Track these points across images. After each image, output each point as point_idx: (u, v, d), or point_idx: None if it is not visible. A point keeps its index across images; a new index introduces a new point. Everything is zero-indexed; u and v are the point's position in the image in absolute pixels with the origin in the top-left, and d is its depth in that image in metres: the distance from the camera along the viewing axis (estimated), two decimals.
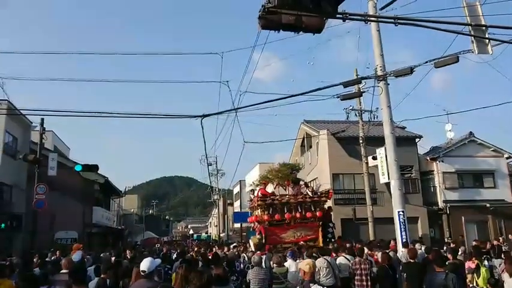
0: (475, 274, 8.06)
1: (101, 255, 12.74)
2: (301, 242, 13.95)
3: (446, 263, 8.76)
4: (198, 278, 4.24)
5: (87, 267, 8.58)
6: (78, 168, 16.93)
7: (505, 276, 6.77)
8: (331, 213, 16.29)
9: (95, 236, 27.08)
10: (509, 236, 18.16)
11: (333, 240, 14.79)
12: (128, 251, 14.27)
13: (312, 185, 17.84)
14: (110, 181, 28.96)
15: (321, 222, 14.94)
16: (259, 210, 15.24)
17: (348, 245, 12.22)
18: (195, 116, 12.18)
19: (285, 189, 16.00)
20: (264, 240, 14.17)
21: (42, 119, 17.61)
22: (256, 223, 15.44)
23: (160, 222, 71.75)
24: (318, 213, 14.87)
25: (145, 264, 5.25)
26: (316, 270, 9.18)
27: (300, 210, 14.85)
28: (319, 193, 15.68)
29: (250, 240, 15.37)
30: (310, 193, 15.43)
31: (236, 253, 13.44)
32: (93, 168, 17.03)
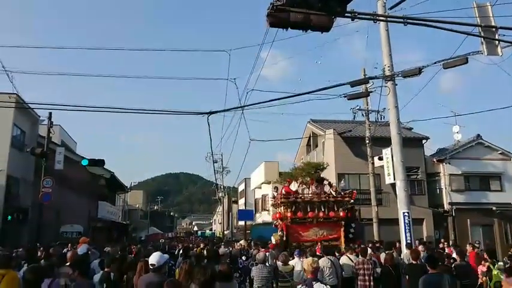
0: (487, 277, 8.08)
1: (105, 249, 12.84)
2: (322, 241, 13.95)
3: (453, 265, 8.81)
4: (202, 273, 4.25)
5: (93, 260, 8.65)
6: (84, 162, 17.03)
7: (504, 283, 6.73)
8: (355, 213, 16.31)
9: (100, 230, 27.27)
10: None
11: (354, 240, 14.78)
12: (133, 246, 14.37)
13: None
14: (116, 176, 29.14)
15: (343, 222, 14.94)
16: (282, 208, 15.34)
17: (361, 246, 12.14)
18: (202, 113, 12.19)
19: (309, 188, 16.03)
20: (285, 238, 14.32)
21: (50, 113, 17.77)
22: (278, 220, 15.51)
23: (165, 218, 72.10)
24: (341, 213, 14.91)
25: (155, 258, 5.27)
26: (320, 269, 9.24)
27: (323, 210, 14.93)
28: (342, 193, 15.70)
29: (272, 237, 15.51)
30: (334, 193, 15.48)
31: (241, 250, 13.47)
32: (99, 163, 17.13)
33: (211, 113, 12.12)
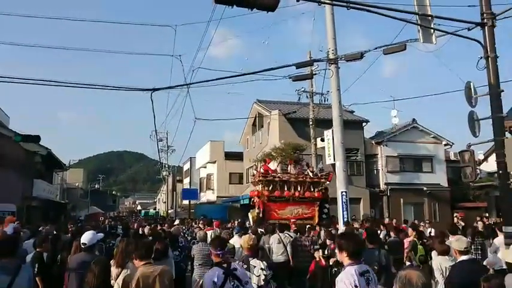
0: (412, 251, 8.67)
1: (40, 228, 12.28)
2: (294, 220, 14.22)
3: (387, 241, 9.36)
4: (138, 250, 4.21)
5: (25, 240, 8.26)
6: (17, 138, 16.05)
7: (433, 254, 7.25)
8: (328, 193, 16.71)
9: (36, 209, 25.97)
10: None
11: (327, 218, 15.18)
12: (70, 226, 13.85)
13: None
14: (53, 153, 27.74)
15: (318, 202, 15.28)
16: (260, 186, 15.47)
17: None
18: (145, 90, 11.81)
19: (287, 168, 16.35)
20: (261, 215, 14.54)
21: None
22: (256, 198, 15.65)
23: (106, 197, 70.04)
24: (316, 194, 15.22)
25: (86, 237, 5.16)
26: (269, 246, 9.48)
27: (299, 189, 15.18)
28: (319, 174, 16.02)
29: (249, 214, 15.81)
30: (311, 174, 15.78)
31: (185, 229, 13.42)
32: (34, 138, 16.13)
33: (154, 89, 11.77)
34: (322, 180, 15.87)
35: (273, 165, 16.63)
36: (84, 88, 12.03)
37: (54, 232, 10.24)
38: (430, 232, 14.74)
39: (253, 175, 16.97)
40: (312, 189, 15.37)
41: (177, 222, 18.32)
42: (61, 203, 36.84)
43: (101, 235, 5.96)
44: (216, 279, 4.13)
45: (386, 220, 17.78)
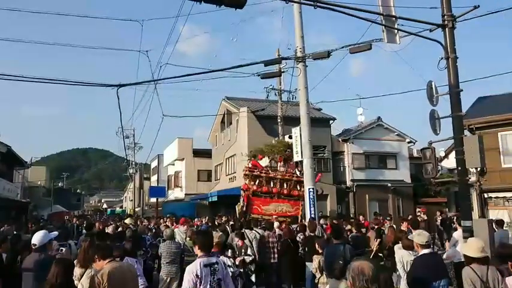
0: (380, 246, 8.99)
1: (0, 229, 11.84)
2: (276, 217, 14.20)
3: (349, 236, 9.59)
4: (101, 250, 4.14)
5: None
6: None
7: (396, 248, 7.48)
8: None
9: None
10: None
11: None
12: (31, 225, 13.42)
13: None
14: (13, 150, 26.72)
15: (303, 202, 15.08)
16: (248, 180, 15.56)
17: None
18: (110, 85, 11.59)
19: (277, 165, 16.46)
20: (245, 209, 14.66)
21: None
22: (242, 191, 15.65)
23: (71, 196, 68.08)
24: (301, 193, 14.99)
25: (36, 238, 5.04)
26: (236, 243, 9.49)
27: (285, 187, 15.22)
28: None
29: (236, 207, 15.84)
30: (298, 172, 15.73)
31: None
32: None
33: (120, 85, 11.56)
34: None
35: (265, 161, 16.79)
36: (47, 83, 11.62)
37: (14, 232, 9.92)
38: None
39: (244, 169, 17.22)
40: (299, 188, 15.37)
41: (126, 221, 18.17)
42: (22, 202, 35.53)
43: (54, 234, 5.80)
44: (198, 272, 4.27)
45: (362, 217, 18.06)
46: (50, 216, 37.73)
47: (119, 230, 10.68)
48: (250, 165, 16.07)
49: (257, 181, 15.28)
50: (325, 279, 6.75)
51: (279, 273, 9.51)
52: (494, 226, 8.96)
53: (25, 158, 33.99)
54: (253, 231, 10.01)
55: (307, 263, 8.40)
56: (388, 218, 15.55)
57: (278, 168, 16.48)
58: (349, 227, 12.45)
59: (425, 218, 19.24)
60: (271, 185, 15.31)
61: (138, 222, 16.23)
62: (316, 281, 7.49)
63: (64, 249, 7.18)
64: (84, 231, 11.92)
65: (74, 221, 18.95)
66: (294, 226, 11.59)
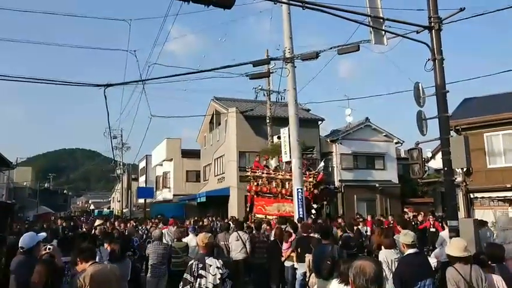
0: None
1: None
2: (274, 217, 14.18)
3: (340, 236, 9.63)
4: (83, 253, 4.11)
5: None
6: None
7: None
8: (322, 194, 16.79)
9: None
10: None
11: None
12: (16, 226, 13.23)
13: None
14: None
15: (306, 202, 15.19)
16: (251, 181, 15.77)
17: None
18: (98, 85, 11.48)
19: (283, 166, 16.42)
20: (248, 209, 14.88)
21: None
22: (248, 192, 15.92)
23: (57, 197, 67.38)
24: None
25: (23, 241, 4.92)
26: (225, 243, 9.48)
27: (287, 187, 15.13)
28: (307, 173, 15.92)
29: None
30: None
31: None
32: None
33: (108, 85, 11.47)
34: (310, 179, 15.89)
35: (274, 162, 17.06)
36: (33, 83, 11.48)
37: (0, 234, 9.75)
38: (366, 231, 14.83)
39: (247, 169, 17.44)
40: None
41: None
42: (7, 203, 35.02)
43: (42, 236, 5.70)
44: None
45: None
46: (36, 217, 37.29)
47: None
48: (253, 166, 16.35)
49: (259, 181, 15.46)
50: (314, 279, 6.76)
51: (267, 273, 9.50)
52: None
53: (10, 159, 33.53)
54: (244, 231, 9.99)
55: (298, 264, 8.36)
56: (388, 218, 15.72)
57: (283, 168, 16.51)
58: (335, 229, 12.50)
59: (414, 214, 19.29)
60: (273, 185, 15.42)
61: (129, 225, 16.05)
62: (307, 279, 7.50)
63: (52, 247, 7.08)
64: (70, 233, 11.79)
65: (59, 223, 18.70)
66: (284, 226, 11.60)
